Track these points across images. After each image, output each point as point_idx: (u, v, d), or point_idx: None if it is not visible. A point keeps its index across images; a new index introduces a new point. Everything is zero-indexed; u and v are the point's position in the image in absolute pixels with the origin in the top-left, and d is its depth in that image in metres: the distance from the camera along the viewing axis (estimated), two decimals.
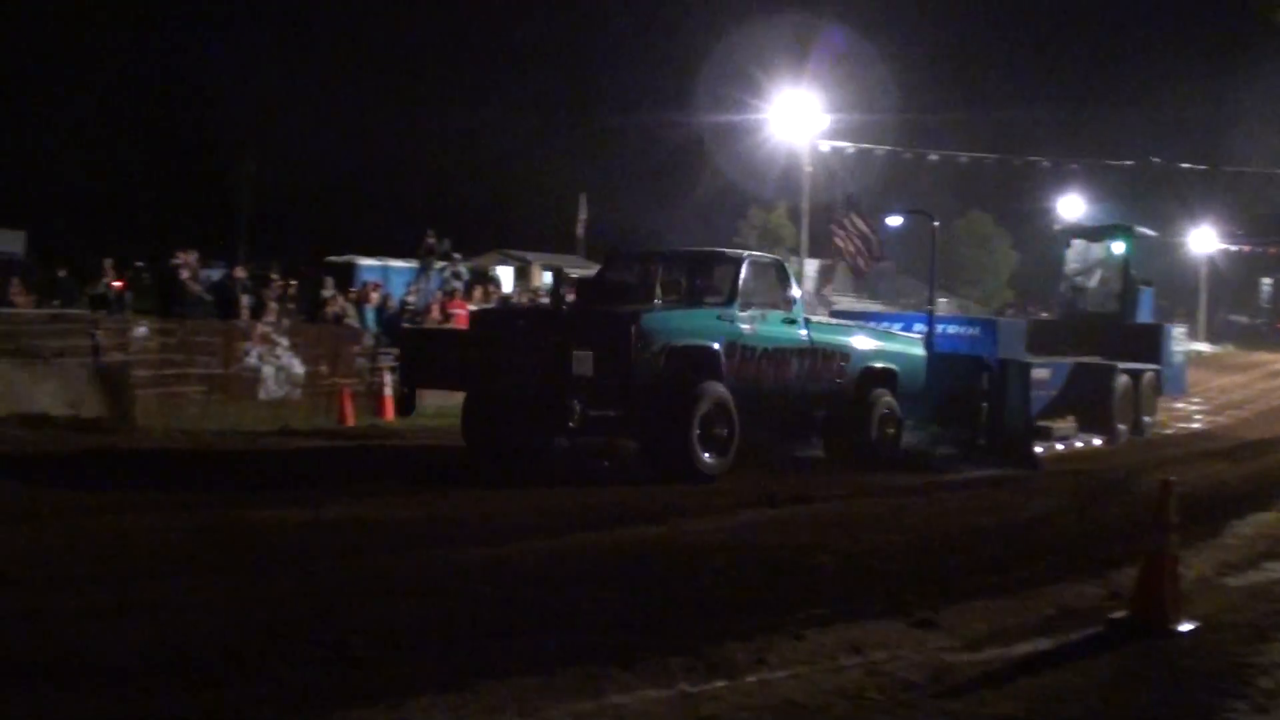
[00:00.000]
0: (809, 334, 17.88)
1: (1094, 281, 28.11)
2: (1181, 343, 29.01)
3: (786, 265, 18.60)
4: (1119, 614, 8.90)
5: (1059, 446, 22.23)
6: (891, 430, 18.99)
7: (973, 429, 20.19)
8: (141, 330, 22.90)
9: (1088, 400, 23.76)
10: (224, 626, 7.78)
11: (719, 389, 15.96)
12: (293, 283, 32.70)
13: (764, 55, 52.67)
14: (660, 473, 15.76)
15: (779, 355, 17.31)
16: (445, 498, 13.86)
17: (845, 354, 18.54)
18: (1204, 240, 72.18)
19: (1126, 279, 27.33)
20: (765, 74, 50.66)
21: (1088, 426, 23.89)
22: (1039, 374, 21.86)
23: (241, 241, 67.91)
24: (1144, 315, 27.54)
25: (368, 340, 25.20)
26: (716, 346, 16.24)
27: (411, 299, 31.28)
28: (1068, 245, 28.84)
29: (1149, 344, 26.51)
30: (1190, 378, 30.70)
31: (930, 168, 54.07)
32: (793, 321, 17.70)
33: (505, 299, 35.16)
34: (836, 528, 12.67)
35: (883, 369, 19.16)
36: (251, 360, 23.00)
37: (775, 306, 17.50)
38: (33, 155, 77.50)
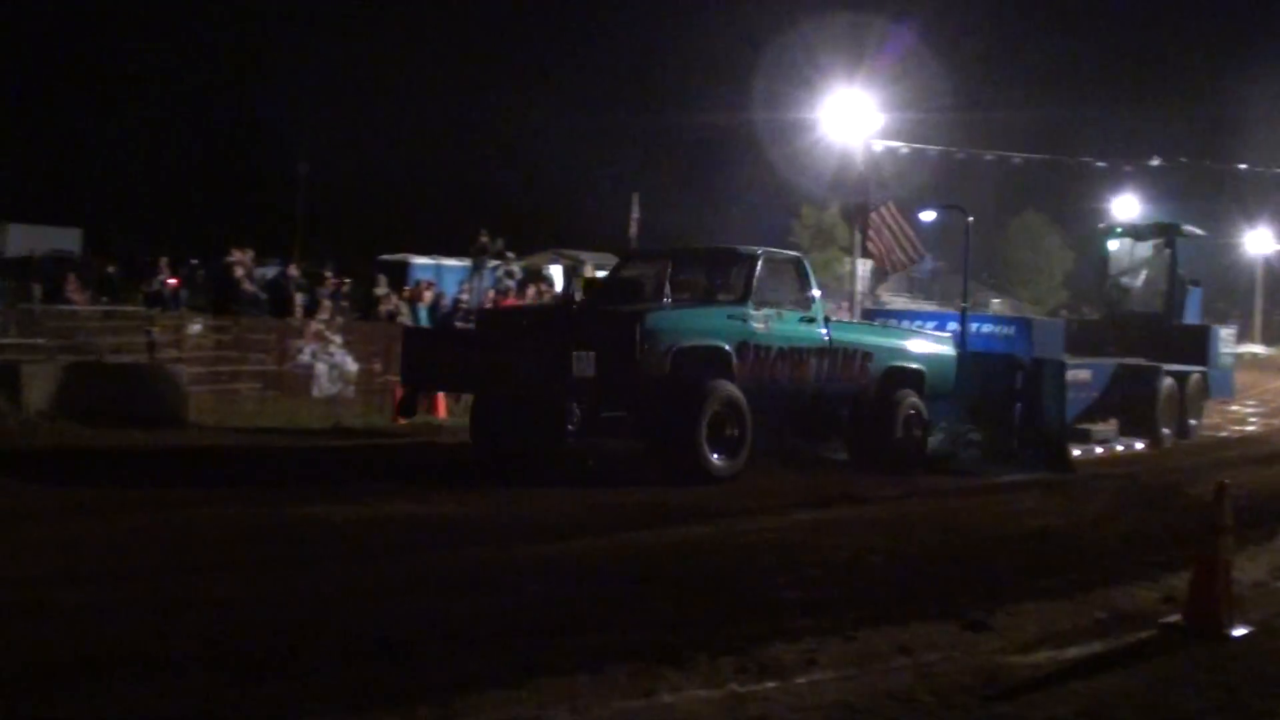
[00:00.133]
0: (828, 333, 17.44)
1: (1140, 281, 27.61)
2: (1230, 344, 28.38)
3: (805, 263, 18.06)
4: (1172, 618, 8.86)
5: (1098, 450, 21.67)
6: (918, 432, 18.49)
7: (1006, 431, 19.69)
8: (196, 328, 23.06)
9: (1131, 403, 23.16)
10: (275, 621, 7.83)
11: (729, 388, 15.59)
12: (346, 281, 32.84)
13: (818, 54, 52.57)
14: (668, 474, 15.32)
15: (796, 355, 16.87)
16: (496, 495, 13.86)
17: (868, 354, 18.05)
18: (1260, 241, 71.57)
19: (1173, 279, 26.69)
20: (819, 73, 50.57)
21: (1131, 430, 23.21)
22: (1078, 375, 21.43)
23: (296, 240, 68.20)
24: (1191, 316, 26.89)
25: None
26: (726, 346, 15.86)
27: (464, 297, 31.32)
28: (1113, 245, 28.23)
29: (1196, 345, 25.89)
30: (1244, 380, 30.31)
31: (984, 168, 53.85)
32: (811, 320, 17.25)
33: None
34: (888, 528, 12.65)
35: (909, 369, 18.70)
36: (305, 358, 23.08)
37: (793, 305, 17.12)
38: (90, 154, 78.14)
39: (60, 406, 18.13)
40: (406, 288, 32.11)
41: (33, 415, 17.82)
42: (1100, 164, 50.34)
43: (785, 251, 18.21)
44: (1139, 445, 22.60)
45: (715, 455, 15.39)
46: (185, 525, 11.26)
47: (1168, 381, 23.75)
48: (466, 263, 39.08)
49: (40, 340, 20.97)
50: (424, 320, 26.66)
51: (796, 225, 66.72)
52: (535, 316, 19.21)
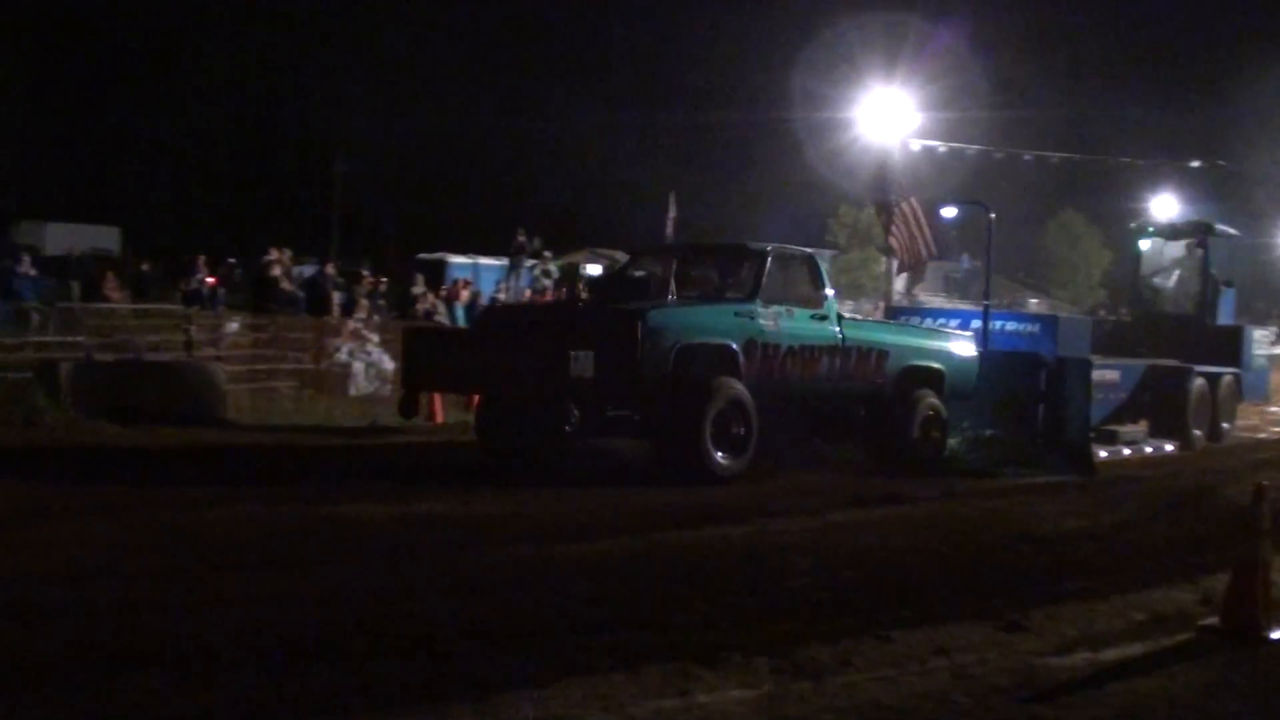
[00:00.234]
0: (841, 331, 17.11)
1: (1172, 281, 27.13)
2: (1266, 346, 27.97)
3: (818, 259, 17.80)
4: (1210, 620, 8.81)
5: (1126, 451, 21.24)
6: (936, 433, 18.18)
7: (1029, 432, 19.29)
8: (233, 326, 23.18)
9: (1161, 404, 22.74)
10: (312, 619, 7.85)
11: (734, 386, 15.34)
12: (383, 280, 32.93)
13: (856, 53, 52.49)
14: (672, 473, 15.16)
15: (807, 354, 16.57)
16: (532, 494, 13.85)
17: (883, 353, 17.71)
18: None
19: (1205, 279, 26.14)
20: (857, 72, 50.49)
21: (1161, 432, 22.74)
22: (1106, 376, 21.08)
23: (333, 239, 68.43)
24: (1225, 317, 26.27)
25: None
26: (733, 344, 15.61)
27: (501, 296, 31.39)
28: (1145, 244, 27.68)
29: (1229, 347, 25.39)
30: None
31: (1023, 167, 53.69)
32: (823, 318, 16.94)
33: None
34: (925, 529, 12.62)
35: (927, 368, 18.35)
36: (342, 356, 23.17)
37: (804, 302, 16.83)
38: (128, 153, 78.54)
39: (98, 404, 18.23)
40: (444, 287, 32.22)
41: (71, 413, 17.92)
42: (1139, 162, 50.18)
43: (796, 248, 17.86)
44: (1169, 447, 22.20)
45: (720, 454, 15.20)
46: (221, 523, 11.32)
47: (1199, 383, 23.31)
48: (503, 262, 39.19)
49: (79, 338, 21.09)
50: (460, 320, 26.72)
51: (834, 224, 66.64)
52: (535, 315, 19.13)
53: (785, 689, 7.00)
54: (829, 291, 17.36)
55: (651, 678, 6.98)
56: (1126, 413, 22.17)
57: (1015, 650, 8.04)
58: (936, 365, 18.51)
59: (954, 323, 21.38)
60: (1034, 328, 22.28)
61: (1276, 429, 27.59)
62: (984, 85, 59.38)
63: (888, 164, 44.04)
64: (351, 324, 24.04)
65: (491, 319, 20.20)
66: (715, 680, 7.03)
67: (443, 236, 60.51)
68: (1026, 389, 19.35)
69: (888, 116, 47.25)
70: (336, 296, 28.33)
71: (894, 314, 23.97)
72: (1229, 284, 26.49)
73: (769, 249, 17.00)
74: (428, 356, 16.32)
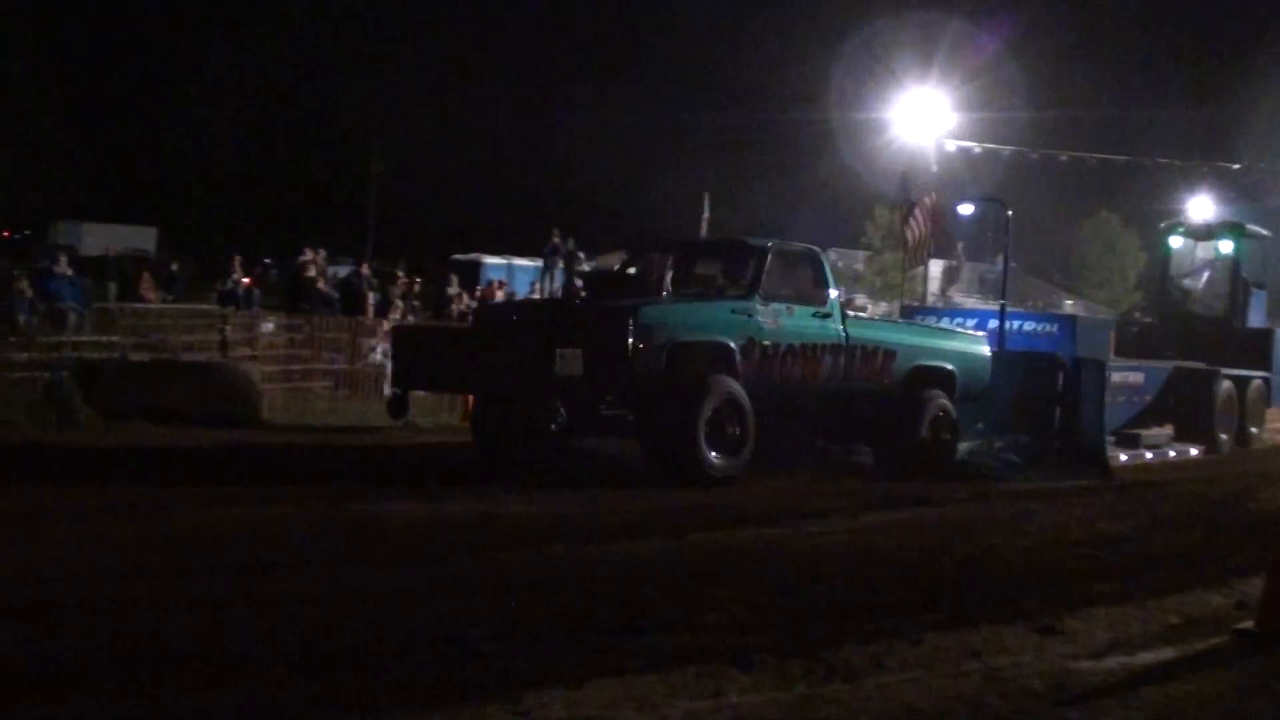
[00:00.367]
0: (845, 330, 16.76)
1: (1201, 283, 26.70)
2: None
3: (822, 256, 17.40)
4: (1245, 624, 8.76)
5: (1148, 455, 20.90)
6: (946, 435, 17.76)
7: (1046, 434, 18.94)
8: (268, 326, 23.26)
9: (1186, 408, 22.41)
10: (345, 618, 7.87)
11: (729, 385, 15.03)
12: (418, 280, 33.02)
13: (891, 54, 52.43)
14: (664, 474, 14.89)
15: (808, 352, 16.22)
16: (565, 495, 13.88)
17: (890, 352, 17.32)
18: None
19: (1235, 280, 25.80)
20: (891, 73, 50.45)
21: (1186, 436, 22.43)
22: (1130, 378, 20.81)
23: (368, 239, 68.57)
24: (1255, 319, 25.93)
25: None
26: (730, 342, 15.29)
27: (535, 297, 31.42)
28: (1174, 244, 27.16)
29: (1258, 350, 24.96)
30: None
31: (1058, 168, 53.53)
32: (826, 316, 16.60)
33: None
34: (957, 531, 12.58)
35: (937, 368, 17.93)
36: (376, 357, 23.20)
37: (806, 300, 16.51)
38: (165, 154, 78.86)
39: (133, 404, 18.30)
40: (479, 287, 32.29)
41: (107, 413, 18.00)
42: (1177, 163, 49.95)
43: (799, 244, 17.51)
44: (1193, 452, 21.91)
45: (714, 454, 14.89)
46: (253, 522, 11.35)
47: (1225, 386, 22.95)
48: (538, 263, 39.23)
49: (115, 338, 21.20)
50: None
51: (869, 225, 66.40)
52: (526, 313, 18.90)
53: (818, 691, 6.98)
54: (832, 289, 17.08)
55: (684, 678, 6.97)
56: (1151, 416, 21.83)
57: (1048, 653, 8.01)
58: (947, 365, 18.10)
59: (971, 323, 21.15)
60: (1052, 328, 22.07)
61: None
62: (1021, 85, 59.26)
63: (912, 162, 44.02)
64: (386, 324, 24.07)
65: (484, 317, 20.09)
66: (748, 681, 7.02)
67: (478, 237, 60.68)
68: (1042, 391, 19.03)
69: (924, 117, 47.21)
70: (371, 297, 28.45)
71: (909, 313, 23.81)
72: (1260, 285, 26.21)
73: (769, 245, 16.72)
74: (417, 355, 16.09)
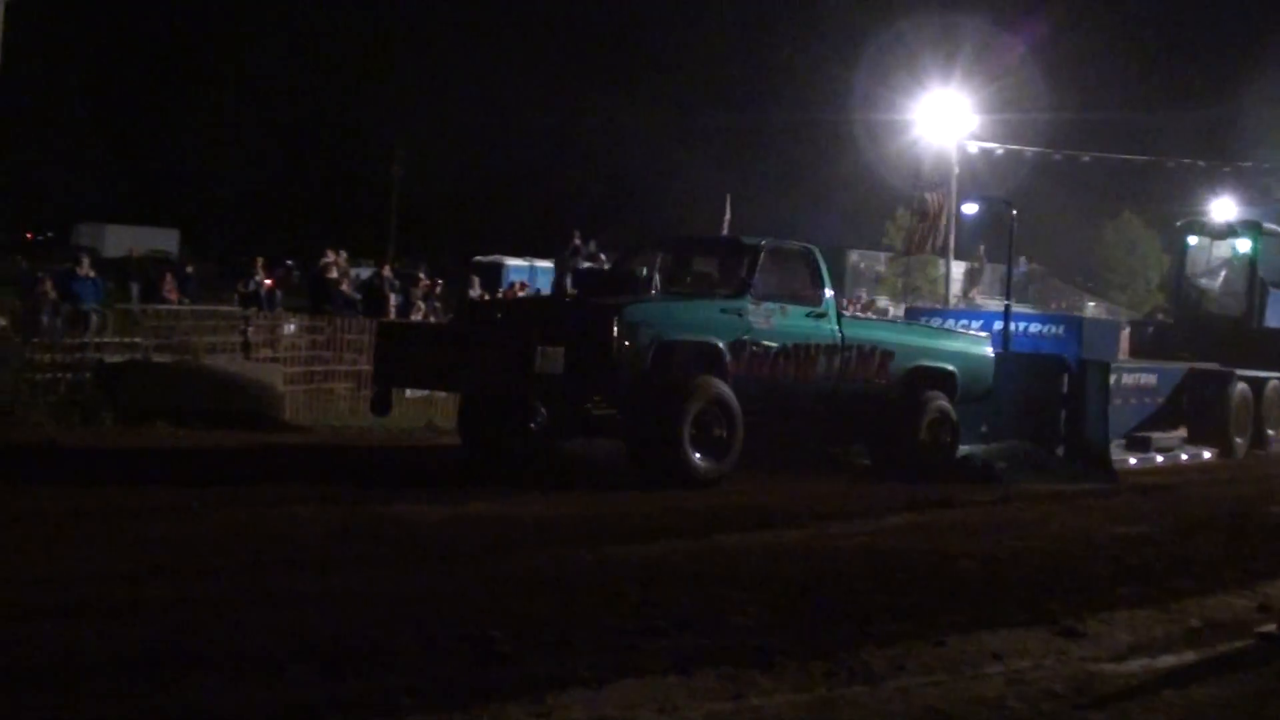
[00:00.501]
0: (841, 330, 16.52)
1: (1217, 282, 26.30)
2: None
3: (817, 255, 16.92)
4: (1268, 628, 8.75)
5: (1159, 459, 20.48)
6: (946, 437, 17.49)
7: (1051, 437, 18.69)
8: (290, 328, 23.29)
9: (1200, 410, 22.00)
10: (367, 619, 7.88)
11: (716, 386, 14.82)
12: (440, 282, 33.09)
13: (913, 56, 52.36)
14: (649, 476, 14.69)
15: (802, 353, 15.99)
16: (586, 496, 13.90)
17: (887, 353, 17.03)
18: None
19: (1252, 280, 25.32)
20: (914, 74, 50.36)
21: (1200, 438, 22.00)
22: (1142, 380, 20.55)
23: (390, 241, 68.72)
24: (1273, 320, 25.30)
25: None
26: (719, 342, 15.07)
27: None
28: (1190, 243, 26.74)
29: (1276, 350, 24.35)
30: None
31: (1081, 169, 53.41)
32: (820, 316, 16.35)
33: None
34: (980, 533, 12.57)
35: (937, 369, 17.64)
36: None
37: (800, 300, 16.30)
38: (188, 156, 79.04)
39: (156, 406, 18.35)
40: (500, 289, 32.33)
41: (129, 414, 18.05)
42: (1199, 164, 49.78)
43: (794, 243, 17.26)
44: (1206, 455, 21.54)
45: (699, 456, 14.70)
46: (275, 523, 11.38)
47: (1240, 388, 22.47)
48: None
49: (138, 339, 21.26)
50: None
51: (890, 227, 66.37)
52: (511, 310, 18.69)
53: (839, 693, 6.98)
54: (828, 289, 16.74)
55: (705, 680, 6.98)
56: (1165, 418, 21.46)
57: (1071, 656, 8.00)
58: (948, 366, 17.83)
59: (975, 324, 20.98)
60: (1058, 329, 21.82)
61: None
62: (1044, 86, 59.14)
63: (924, 159, 44.00)
64: None
65: (469, 314, 19.99)
66: (769, 683, 7.02)
67: (500, 239, 60.74)
68: (1047, 392, 18.84)
69: (946, 118, 47.13)
70: (393, 298, 28.50)
71: (914, 314, 23.65)
72: (1278, 285, 25.68)
73: (762, 243, 16.54)
74: (400, 352, 15.94)
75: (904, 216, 65.15)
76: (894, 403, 17.12)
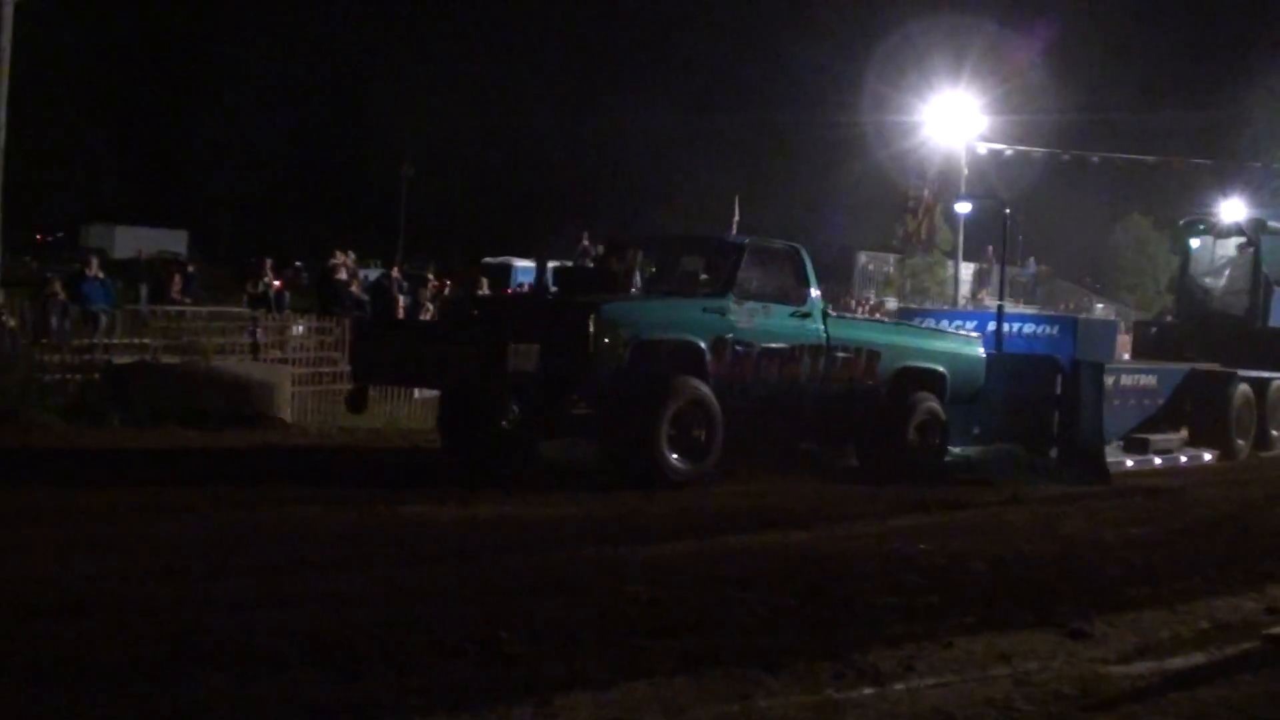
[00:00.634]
0: (826, 330, 16.33)
1: (1221, 282, 26.04)
2: None
3: (803, 254, 16.65)
4: (1275, 630, 8.74)
5: (1157, 461, 20.13)
6: (935, 438, 17.33)
7: (1044, 438, 18.54)
8: (299, 329, 23.30)
9: (1202, 411, 21.72)
10: (376, 620, 7.88)
11: (695, 386, 14.68)
12: (448, 283, 33.08)
13: (921, 57, 52.32)
14: (625, 477, 14.58)
15: (785, 353, 15.83)
16: (595, 497, 13.88)
17: (874, 353, 16.84)
18: None
19: (1256, 279, 24.94)
20: (922, 75, 50.35)
21: (1201, 440, 21.71)
22: (1141, 380, 20.30)
23: (399, 242, 68.75)
24: (1276, 319, 24.84)
25: None
26: (699, 341, 14.91)
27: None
28: (1194, 242, 26.48)
29: None
30: None
31: (1090, 170, 53.34)
32: (805, 316, 16.16)
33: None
34: (988, 535, 12.56)
35: (926, 370, 17.46)
36: None
37: (785, 299, 16.09)
38: (196, 157, 79.10)
39: (165, 407, 18.37)
40: (509, 290, 32.32)
41: (138, 415, 18.08)
42: (1207, 163, 49.71)
43: (779, 242, 17.03)
44: (1207, 457, 21.25)
45: (675, 457, 14.57)
46: (283, 524, 11.42)
47: (1242, 388, 22.19)
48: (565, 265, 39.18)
49: (147, 340, 21.28)
50: None
51: (900, 228, 66.36)
52: (487, 307, 18.51)
53: (847, 694, 6.99)
54: (814, 289, 16.54)
55: (713, 681, 6.99)
56: (1166, 420, 21.16)
57: (1078, 658, 8.00)
58: (937, 367, 17.68)
59: (969, 324, 20.87)
60: (1053, 330, 21.64)
61: None
62: (1052, 88, 59.07)
63: (920, 158, 44.01)
64: None
65: (447, 311, 19.91)
66: (777, 685, 7.03)
67: (509, 240, 60.73)
68: (1040, 393, 18.66)
69: (955, 119, 47.14)
70: (402, 300, 28.50)
71: (908, 315, 23.53)
72: None
73: (746, 241, 16.46)
74: (377, 349, 15.83)
75: (905, 219, 65.22)
76: (882, 404, 16.98)
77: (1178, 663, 8.06)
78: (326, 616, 7.94)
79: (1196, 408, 21.74)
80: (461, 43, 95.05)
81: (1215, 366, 22.46)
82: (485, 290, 30.33)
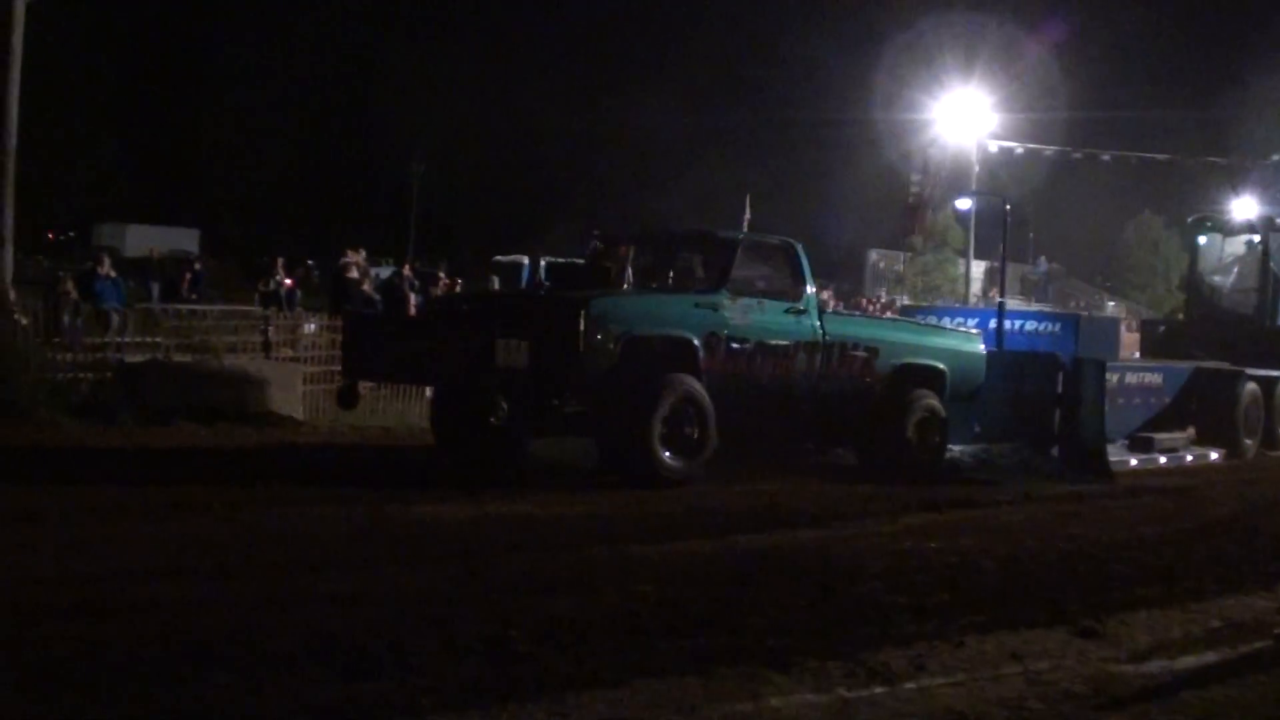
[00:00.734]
0: (821, 327, 16.16)
1: (1230, 280, 25.84)
2: None
3: (798, 249, 16.43)
4: None
5: (1162, 460, 19.94)
6: (935, 436, 17.13)
7: (1045, 436, 18.49)
8: (311, 327, 23.32)
9: (1208, 410, 21.51)
10: (385, 619, 7.89)
11: (687, 383, 14.53)
12: (460, 281, 33.10)
13: (933, 55, 52.31)
14: (618, 475, 14.53)
15: (780, 350, 15.66)
16: (605, 496, 13.87)
17: (871, 349, 16.65)
18: None
19: (1265, 277, 24.74)
20: (933, 73, 50.34)
21: (1208, 439, 21.52)
22: (1146, 378, 20.23)
23: (410, 240, 68.79)
24: None
25: None
26: (692, 337, 14.76)
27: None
28: (1202, 240, 26.34)
29: None
30: None
31: (1101, 168, 53.30)
32: (800, 312, 15.97)
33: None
34: (999, 534, 12.54)
35: (925, 367, 17.23)
36: None
37: (780, 295, 15.97)
38: (208, 157, 79.20)
39: (177, 405, 18.38)
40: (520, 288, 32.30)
41: (150, 414, 18.09)
42: (1220, 161, 49.62)
43: (774, 237, 16.97)
44: (1214, 456, 21.06)
45: (668, 455, 14.42)
46: (293, 522, 11.41)
47: (1250, 387, 22.02)
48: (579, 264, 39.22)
49: (158, 339, 21.30)
50: None
51: (924, 229, 66.36)
52: (477, 303, 18.40)
53: (858, 694, 6.98)
54: (809, 285, 16.39)
55: (723, 681, 6.98)
56: (1172, 419, 21.04)
57: (1090, 657, 7.99)
58: (936, 364, 17.45)
59: (971, 321, 20.75)
60: (1055, 327, 21.55)
61: None
62: (1063, 86, 59.03)
63: (926, 155, 44.01)
64: None
65: (436, 307, 19.81)
66: (787, 684, 7.02)
67: (520, 238, 60.74)
68: (1041, 391, 18.60)
69: (966, 117, 47.10)
70: (413, 298, 28.51)
71: (909, 312, 23.46)
72: None
73: (739, 237, 16.40)
74: (365, 345, 15.75)
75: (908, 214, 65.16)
76: (880, 401, 16.83)
77: (1190, 662, 8.05)
78: (335, 615, 7.94)
79: (1203, 406, 21.58)
80: (471, 40, 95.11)
81: (1222, 365, 22.32)
82: (497, 289, 30.28)
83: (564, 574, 9.71)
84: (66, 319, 22.07)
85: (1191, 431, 21.64)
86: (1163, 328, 26.67)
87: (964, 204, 30.49)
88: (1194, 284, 26.72)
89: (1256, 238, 25.23)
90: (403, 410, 21.38)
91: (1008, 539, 12.13)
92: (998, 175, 48.80)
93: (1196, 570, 10.93)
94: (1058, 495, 15.82)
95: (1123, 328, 32.16)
